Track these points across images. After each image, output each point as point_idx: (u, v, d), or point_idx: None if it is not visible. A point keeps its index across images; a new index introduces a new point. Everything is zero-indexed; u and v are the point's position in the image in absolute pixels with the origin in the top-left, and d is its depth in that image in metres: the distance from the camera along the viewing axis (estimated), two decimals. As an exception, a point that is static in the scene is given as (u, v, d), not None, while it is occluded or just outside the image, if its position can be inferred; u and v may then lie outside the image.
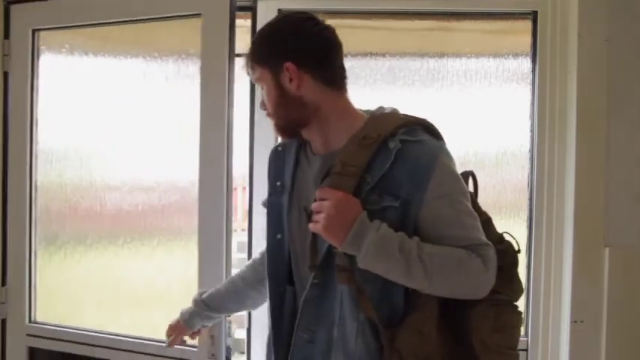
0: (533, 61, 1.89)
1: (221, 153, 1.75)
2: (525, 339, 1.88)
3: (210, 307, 1.47)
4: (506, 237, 1.20)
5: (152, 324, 1.89)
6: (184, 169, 1.86)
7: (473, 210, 1.15)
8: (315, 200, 1.13)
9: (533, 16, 1.88)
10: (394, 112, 1.21)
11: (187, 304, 1.50)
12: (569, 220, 1.79)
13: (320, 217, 1.10)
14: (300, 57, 1.17)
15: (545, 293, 1.86)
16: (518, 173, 1.91)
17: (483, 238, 1.13)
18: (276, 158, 1.31)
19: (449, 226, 1.11)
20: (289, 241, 1.26)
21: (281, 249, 1.27)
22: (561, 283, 1.82)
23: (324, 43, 1.20)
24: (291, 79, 1.17)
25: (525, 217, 1.90)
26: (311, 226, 1.12)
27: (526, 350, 1.88)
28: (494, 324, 1.13)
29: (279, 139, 1.38)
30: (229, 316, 1.69)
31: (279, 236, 1.27)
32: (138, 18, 1.89)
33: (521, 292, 1.20)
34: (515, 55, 1.90)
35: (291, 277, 1.27)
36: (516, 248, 1.20)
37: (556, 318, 1.84)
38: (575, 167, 1.75)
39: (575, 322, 1.75)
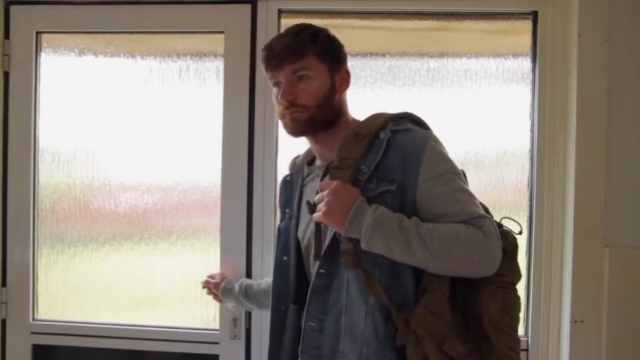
0: (533, 61, 1.89)
1: (242, 153, 1.90)
2: (525, 339, 1.88)
3: (246, 295, 1.64)
4: (505, 222, 1.25)
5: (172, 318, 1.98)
6: (205, 169, 1.95)
7: (467, 188, 1.19)
8: (318, 194, 1.18)
9: (533, 16, 1.88)
10: (381, 112, 1.28)
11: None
12: (569, 220, 1.79)
13: (321, 206, 1.15)
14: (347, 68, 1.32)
15: (545, 293, 1.86)
16: (518, 173, 1.91)
17: (480, 211, 1.16)
18: (285, 187, 1.41)
19: (445, 204, 1.15)
20: (303, 257, 1.32)
21: (286, 269, 1.35)
22: (561, 283, 1.83)
23: None
24: (341, 84, 1.29)
25: (525, 217, 1.90)
26: (314, 216, 1.18)
27: (526, 350, 1.88)
28: (501, 305, 1.16)
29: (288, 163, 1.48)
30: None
31: (285, 258, 1.35)
32: (157, 31, 1.97)
33: (520, 276, 1.23)
34: (515, 55, 1.90)
35: (296, 297, 1.31)
36: (517, 231, 1.25)
37: (556, 318, 1.84)
38: (575, 167, 1.75)
39: (575, 322, 1.75)
